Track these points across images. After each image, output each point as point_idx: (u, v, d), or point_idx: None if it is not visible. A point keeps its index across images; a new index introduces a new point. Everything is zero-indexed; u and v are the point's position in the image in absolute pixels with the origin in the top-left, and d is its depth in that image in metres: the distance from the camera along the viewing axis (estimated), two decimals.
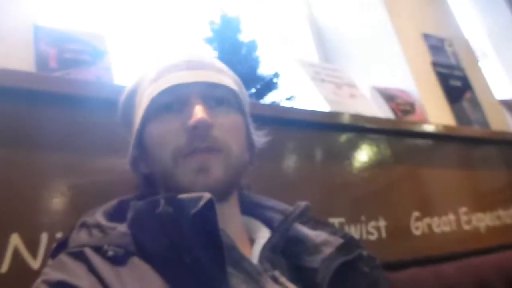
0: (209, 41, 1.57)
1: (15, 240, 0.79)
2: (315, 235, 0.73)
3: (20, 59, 1.10)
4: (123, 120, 0.80)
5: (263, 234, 0.72)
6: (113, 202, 0.72)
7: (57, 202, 0.87)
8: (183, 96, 0.68)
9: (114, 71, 1.20)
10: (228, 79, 0.74)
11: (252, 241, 0.73)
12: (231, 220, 0.71)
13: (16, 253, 0.79)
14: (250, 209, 0.80)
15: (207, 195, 0.58)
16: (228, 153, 0.67)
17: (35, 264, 0.80)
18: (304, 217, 0.77)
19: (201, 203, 0.57)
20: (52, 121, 0.93)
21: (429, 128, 1.71)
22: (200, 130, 0.64)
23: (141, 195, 0.74)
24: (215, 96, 0.70)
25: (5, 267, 0.77)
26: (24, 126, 0.90)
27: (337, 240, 0.71)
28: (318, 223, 0.79)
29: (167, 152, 0.67)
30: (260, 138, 0.80)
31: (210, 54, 0.75)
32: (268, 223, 0.77)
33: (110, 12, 1.64)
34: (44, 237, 0.82)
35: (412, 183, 1.58)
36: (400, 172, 1.56)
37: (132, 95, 0.76)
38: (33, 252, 0.80)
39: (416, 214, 1.48)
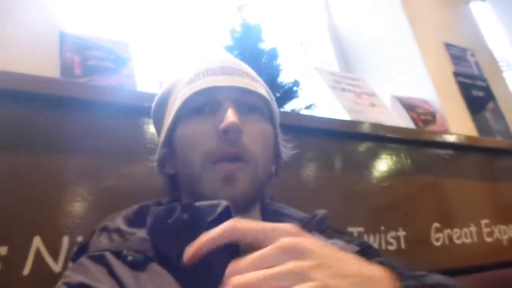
0: (230, 49, 1.59)
1: (37, 243, 0.81)
2: (332, 243, 0.72)
3: (46, 66, 1.13)
4: (155, 122, 0.80)
5: None
6: (134, 207, 0.72)
7: (79, 206, 0.89)
8: (216, 99, 0.68)
9: (137, 78, 1.21)
10: (261, 88, 0.74)
11: None
12: None
13: (38, 256, 0.80)
14: (270, 217, 0.80)
15: (224, 203, 0.58)
16: (255, 165, 0.67)
17: (56, 267, 0.81)
18: (322, 226, 0.77)
19: (218, 210, 0.58)
20: (75, 126, 0.95)
21: (450, 138, 1.69)
22: (230, 134, 0.64)
23: (161, 202, 0.75)
24: (247, 103, 0.70)
25: (27, 269, 0.79)
26: (48, 131, 0.92)
27: (353, 248, 0.71)
28: (335, 232, 0.78)
29: (196, 155, 0.66)
30: (287, 150, 0.80)
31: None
32: None
33: (133, 19, 1.67)
34: (65, 241, 0.84)
35: (432, 194, 1.55)
36: (420, 183, 1.54)
37: (166, 97, 0.76)
38: (55, 255, 0.82)
39: (436, 225, 1.46)
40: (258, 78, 0.77)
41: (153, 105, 0.79)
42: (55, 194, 0.88)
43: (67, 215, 0.87)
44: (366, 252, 0.71)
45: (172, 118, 0.70)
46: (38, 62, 1.13)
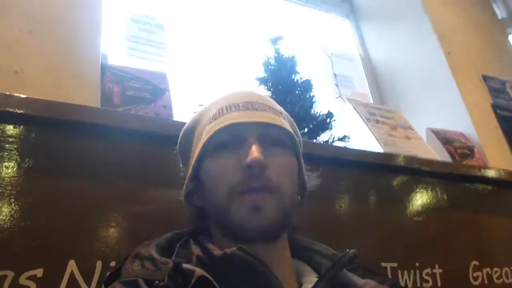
0: (264, 80, 1.60)
1: (71, 266, 0.83)
2: (364, 283, 0.72)
3: (89, 95, 1.18)
4: (181, 154, 0.83)
5: (310, 279, 0.72)
6: (168, 235, 0.74)
7: (112, 231, 0.91)
8: (241, 134, 0.70)
9: (174, 107, 1.25)
10: (285, 121, 0.76)
11: (300, 285, 0.72)
12: (280, 261, 0.71)
13: (72, 279, 0.82)
14: (299, 252, 0.79)
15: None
16: (280, 194, 0.68)
17: None
18: (353, 264, 0.76)
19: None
20: (112, 153, 0.98)
21: (489, 173, 1.64)
22: (254, 170, 0.66)
23: (193, 231, 0.76)
24: (271, 136, 0.72)
25: None
26: (87, 158, 0.96)
27: None
28: (368, 271, 0.77)
29: (222, 188, 0.68)
30: (312, 180, 0.81)
31: (268, 96, 0.79)
32: (316, 267, 0.76)
33: (172, 50, 1.72)
34: (98, 265, 0.86)
35: (470, 230, 1.50)
36: (457, 218, 1.50)
37: (191, 131, 0.79)
38: (88, 279, 0.83)
39: (475, 263, 1.41)
40: (282, 111, 0.79)
41: (179, 138, 0.82)
42: (90, 219, 0.90)
43: (101, 240, 0.89)
44: None
45: (198, 154, 0.72)
46: (81, 92, 1.18)
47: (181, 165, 0.83)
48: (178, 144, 0.83)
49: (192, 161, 0.74)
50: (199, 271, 0.58)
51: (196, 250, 0.68)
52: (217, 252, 0.64)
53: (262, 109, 0.73)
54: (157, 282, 0.59)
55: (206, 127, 0.73)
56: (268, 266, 0.63)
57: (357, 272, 0.76)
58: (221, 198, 0.68)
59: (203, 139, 0.71)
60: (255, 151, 0.66)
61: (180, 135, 0.82)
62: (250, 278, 0.62)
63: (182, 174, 0.81)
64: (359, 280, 0.72)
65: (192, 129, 0.79)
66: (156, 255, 0.65)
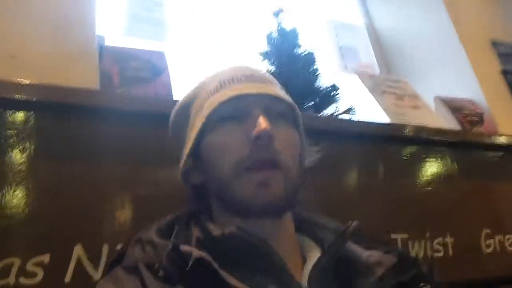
0: (266, 55, 1.57)
1: (78, 250, 0.83)
2: (368, 255, 0.71)
3: (88, 77, 1.17)
4: (174, 130, 0.80)
5: (315, 254, 0.71)
6: (168, 218, 0.72)
7: (118, 214, 0.90)
8: (245, 107, 0.68)
9: (173, 86, 1.23)
10: (285, 95, 0.74)
11: (304, 260, 0.71)
12: (284, 237, 0.70)
13: (79, 264, 0.82)
14: (302, 226, 0.78)
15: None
16: (287, 170, 0.66)
17: (96, 274, 0.83)
18: (357, 236, 0.74)
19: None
20: (115, 136, 0.97)
21: (499, 140, 1.61)
22: (263, 141, 0.64)
23: (194, 212, 0.74)
24: (275, 110, 0.70)
25: (69, 277, 0.80)
26: (90, 141, 0.95)
27: (390, 260, 0.68)
28: (372, 242, 0.76)
29: (229, 162, 0.66)
30: (312, 154, 0.80)
31: (266, 71, 0.77)
32: (320, 242, 0.75)
33: (171, 28, 1.70)
34: (105, 249, 0.85)
35: (481, 199, 1.48)
36: (468, 187, 1.48)
37: (187, 106, 0.76)
38: (95, 263, 0.83)
39: (486, 231, 1.39)
40: (280, 86, 0.77)
41: (172, 116, 0.79)
42: (95, 203, 0.90)
43: (107, 224, 0.89)
44: (403, 263, 0.69)
45: (200, 127, 0.69)
46: (80, 74, 1.16)
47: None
48: (171, 122, 0.80)
49: (192, 136, 0.71)
50: (196, 253, 0.57)
51: (195, 231, 0.67)
52: (216, 232, 0.63)
53: (263, 82, 0.72)
54: (157, 265, 0.58)
55: (206, 100, 0.71)
56: (272, 242, 0.63)
57: (361, 243, 0.75)
58: (226, 172, 0.66)
59: (205, 112, 0.69)
60: (263, 122, 0.64)
61: (174, 113, 0.79)
62: (251, 257, 0.62)
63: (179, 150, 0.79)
64: (363, 252, 0.71)
65: (188, 104, 0.76)
66: (156, 239, 0.64)
